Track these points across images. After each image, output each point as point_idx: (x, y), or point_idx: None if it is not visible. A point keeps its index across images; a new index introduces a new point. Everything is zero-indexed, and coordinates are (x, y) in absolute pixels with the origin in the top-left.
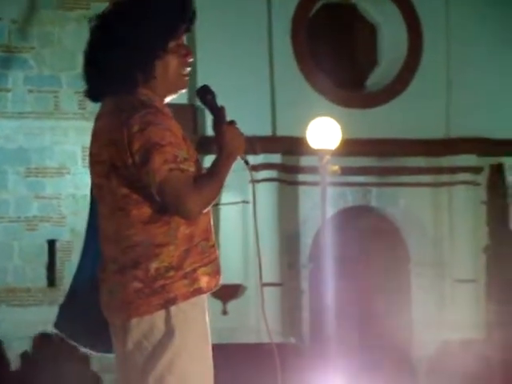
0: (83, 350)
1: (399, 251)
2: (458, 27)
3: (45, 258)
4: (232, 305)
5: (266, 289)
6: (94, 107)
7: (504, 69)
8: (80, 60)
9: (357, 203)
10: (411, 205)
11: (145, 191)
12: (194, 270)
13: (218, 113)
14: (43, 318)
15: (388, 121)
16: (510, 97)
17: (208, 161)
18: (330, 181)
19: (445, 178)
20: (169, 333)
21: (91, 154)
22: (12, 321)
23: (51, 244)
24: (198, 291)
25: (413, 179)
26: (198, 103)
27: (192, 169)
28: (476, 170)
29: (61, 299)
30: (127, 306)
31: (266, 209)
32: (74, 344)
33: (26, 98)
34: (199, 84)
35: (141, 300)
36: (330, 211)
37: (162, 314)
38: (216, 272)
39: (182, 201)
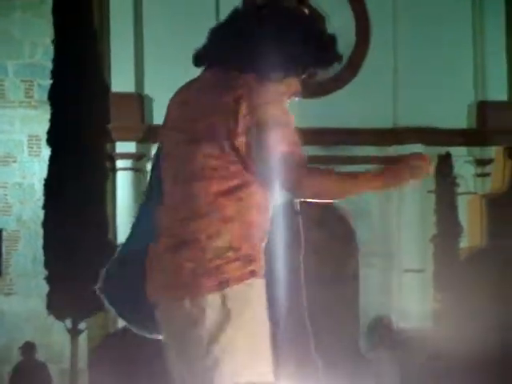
0: (122, 320)
1: (347, 241)
2: (404, 17)
3: None
4: None
5: None
6: (40, 95)
7: (451, 58)
8: (27, 49)
9: None
10: (359, 195)
11: (236, 166)
12: (249, 255)
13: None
14: None
15: (336, 110)
16: (456, 86)
17: (155, 150)
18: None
19: None
20: (224, 316)
21: (170, 122)
22: None
23: None
24: (253, 274)
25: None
26: (146, 92)
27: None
28: None
29: (7, 289)
30: (180, 286)
31: None
32: (114, 313)
33: None
34: (146, 74)
35: (194, 281)
36: (277, 200)
37: (216, 296)
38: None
39: (302, 174)
